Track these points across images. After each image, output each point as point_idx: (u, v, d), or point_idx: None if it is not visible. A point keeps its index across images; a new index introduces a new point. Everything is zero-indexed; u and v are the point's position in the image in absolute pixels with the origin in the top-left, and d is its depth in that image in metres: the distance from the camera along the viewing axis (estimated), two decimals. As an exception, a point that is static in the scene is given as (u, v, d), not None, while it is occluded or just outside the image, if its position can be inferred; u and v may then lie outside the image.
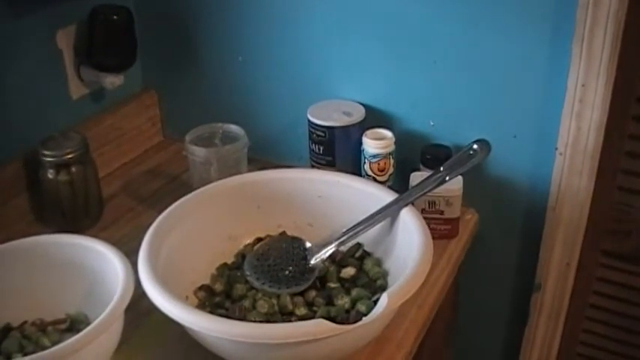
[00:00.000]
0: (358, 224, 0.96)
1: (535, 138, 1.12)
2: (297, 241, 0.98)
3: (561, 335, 1.25)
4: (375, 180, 1.14)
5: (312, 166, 1.22)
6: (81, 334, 0.77)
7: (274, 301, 0.89)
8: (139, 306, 0.87)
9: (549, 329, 1.24)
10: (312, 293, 0.92)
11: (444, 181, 0.96)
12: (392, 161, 1.15)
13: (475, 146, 0.96)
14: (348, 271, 0.95)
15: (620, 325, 1.21)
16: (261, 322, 0.85)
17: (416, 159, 1.16)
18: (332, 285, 0.93)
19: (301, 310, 0.89)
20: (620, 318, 1.20)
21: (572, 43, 1.01)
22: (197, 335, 0.82)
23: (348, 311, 0.87)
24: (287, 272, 0.94)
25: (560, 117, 1.07)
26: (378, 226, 0.96)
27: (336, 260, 0.98)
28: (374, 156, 1.14)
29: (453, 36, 1.10)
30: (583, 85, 1.03)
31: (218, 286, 0.95)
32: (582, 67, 1.02)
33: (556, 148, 1.10)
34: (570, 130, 1.07)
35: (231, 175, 1.06)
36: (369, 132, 1.16)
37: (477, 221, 1.18)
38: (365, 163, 1.15)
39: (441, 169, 0.97)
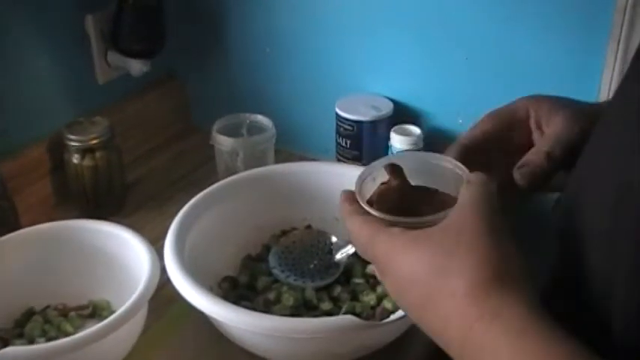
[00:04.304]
0: (385, 220, 0.94)
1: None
2: (323, 235, 0.97)
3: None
4: (401, 176, 1.13)
5: (338, 160, 1.21)
6: (106, 321, 0.77)
7: (299, 294, 0.88)
8: (161, 294, 0.86)
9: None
10: (337, 288, 0.91)
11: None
12: (419, 158, 1.14)
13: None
14: (374, 267, 0.94)
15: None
16: (287, 315, 0.84)
17: (443, 157, 1.14)
18: (357, 280, 0.92)
19: (326, 305, 0.88)
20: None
21: (607, 44, 1.00)
22: (223, 327, 0.81)
23: (373, 308, 0.86)
24: (312, 266, 0.93)
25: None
26: (405, 223, 0.95)
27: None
28: (401, 152, 1.13)
29: (487, 33, 1.08)
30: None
31: (242, 278, 0.94)
32: (617, 69, 1.00)
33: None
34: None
35: (257, 165, 1.05)
36: (397, 128, 1.14)
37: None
38: (392, 158, 1.14)
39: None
